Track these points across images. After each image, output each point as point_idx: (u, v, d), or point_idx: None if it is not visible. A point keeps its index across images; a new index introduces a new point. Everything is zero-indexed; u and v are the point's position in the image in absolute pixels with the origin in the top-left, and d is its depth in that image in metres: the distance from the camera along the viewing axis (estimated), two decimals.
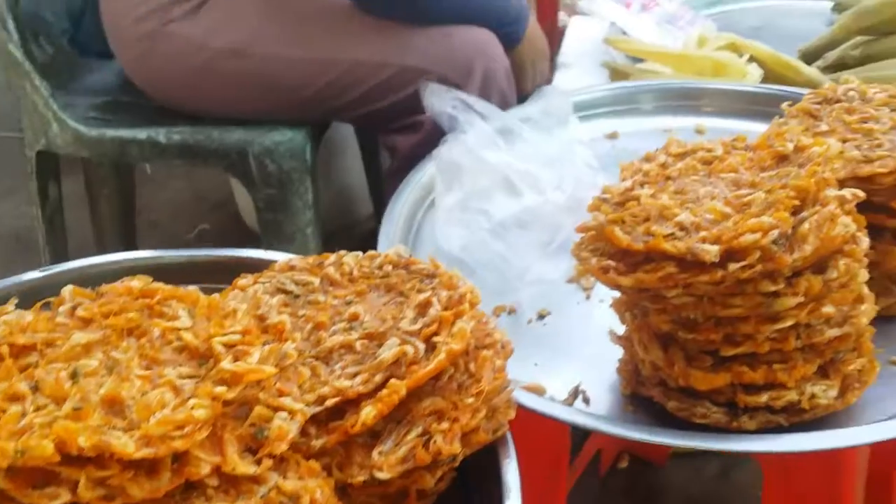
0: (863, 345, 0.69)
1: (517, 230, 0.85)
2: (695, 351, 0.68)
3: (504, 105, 1.14)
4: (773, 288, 0.62)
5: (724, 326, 0.65)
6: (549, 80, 1.40)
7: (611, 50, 1.48)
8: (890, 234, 0.77)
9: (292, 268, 0.63)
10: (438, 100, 0.99)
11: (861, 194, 0.68)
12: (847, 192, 0.68)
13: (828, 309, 0.64)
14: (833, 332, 0.66)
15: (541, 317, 0.84)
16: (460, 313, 0.55)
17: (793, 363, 0.65)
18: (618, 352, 0.75)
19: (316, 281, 0.61)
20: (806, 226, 0.62)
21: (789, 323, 0.64)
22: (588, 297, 0.86)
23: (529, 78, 1.34)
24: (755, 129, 1.00)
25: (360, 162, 1.78)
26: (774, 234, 0.60)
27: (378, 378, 0.52)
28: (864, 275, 0.66)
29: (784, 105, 0.87)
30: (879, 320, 0.70)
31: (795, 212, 0.64)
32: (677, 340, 0.68)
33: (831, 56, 1.35)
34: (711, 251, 0.61)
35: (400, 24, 1.24)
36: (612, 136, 1.11)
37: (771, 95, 1.09)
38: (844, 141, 0.78)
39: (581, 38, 1.57)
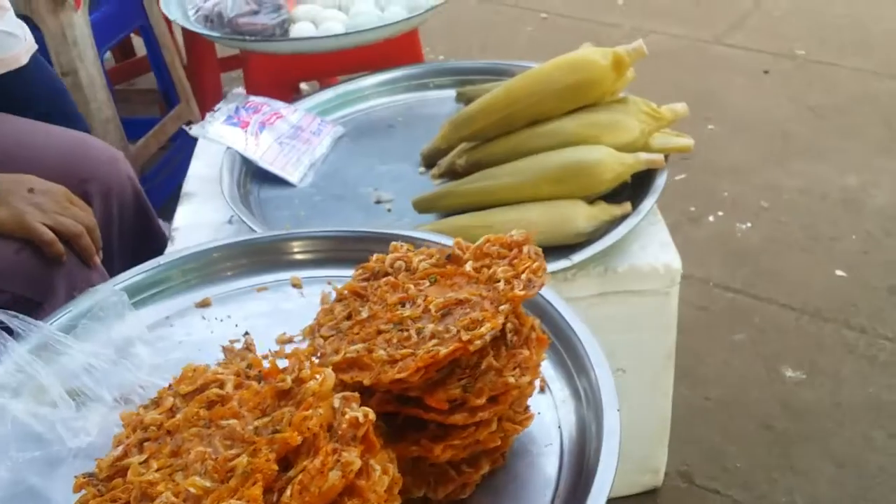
0: None
1: None
2: None
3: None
4: None
5: None
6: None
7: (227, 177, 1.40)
8: (434, 425, 0.73)
9: None
10: None
11: (371, 415, 0.64)
12: (359, 415, 0.64)
13: None
14: None
15: None
16: None
17: None
18: None
19: None
20: (288, 493, 0.57)
21: None
22: None
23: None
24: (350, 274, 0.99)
25: None
26: None
27: None
28: None
29: (332, 287, 0.83)
30: None
31: (289, 465, 0.59)
32: None
33: (443, 163, 1.35)
34: None
35: None
36: (204, 303, 1.03)
37: (359, 237, 1.06)
38: (379, 333, 0.75)
39: (208, 163, 1.49)
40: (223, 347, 0.96)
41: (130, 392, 0.84)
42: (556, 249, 1.19)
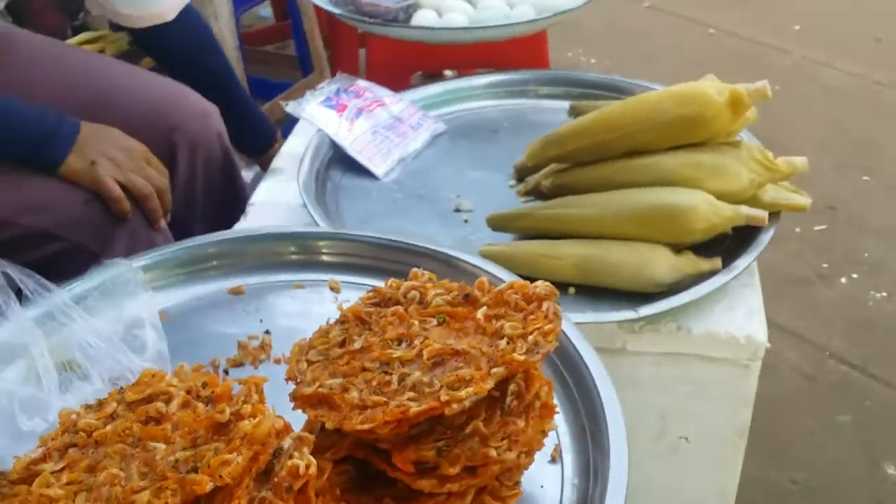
0: None
1: None
2: None
3: None
4: None
5: None
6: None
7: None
8: (403, 484, 0.65)
9: None
10: None
11: (313, 468, 0.57)
12: (301, 464, 0.57)
13: None
14: None
15: None
16: None
17: None
18: None
19: None
20: None
21: None
22: None
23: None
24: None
25: None
26: None
27: None
28: None
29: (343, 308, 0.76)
30: None
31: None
32: None
33: (531, 182, 1.26)
34: None
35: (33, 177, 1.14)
36: (236, 291, 0.99)
37: (406, 249, 0.99)
38: (364, 370, 0.67)
39: (303, 142, 1.45)
40: (238, 342, 0.91)
41: (120, 377, 0.81)
42: (630, 297, 1.08)
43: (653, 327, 1.07)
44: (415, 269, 0.77)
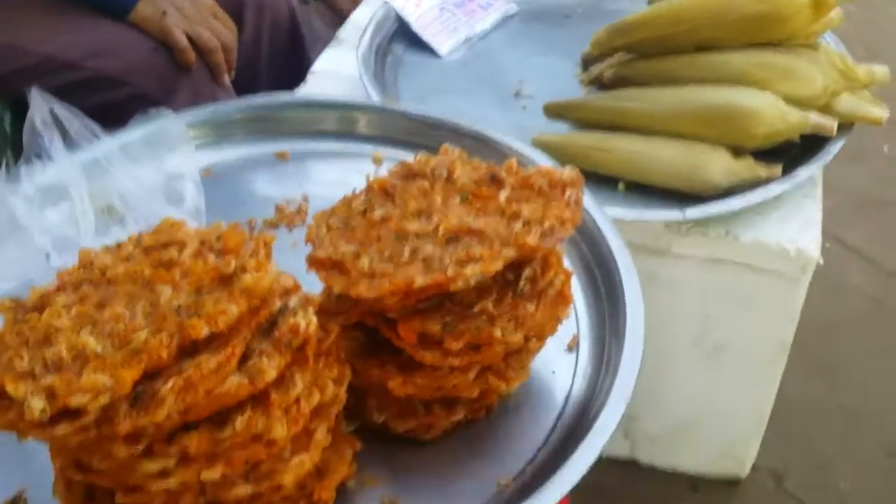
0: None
1: None
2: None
3: None
4: (127, 452, 0.53)
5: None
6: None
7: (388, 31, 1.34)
8: (407, 354, 0.66)
9: None
10: (39, 110, 0.87)
11: (313, 326, 0.58)
12: (302, 322, 0.58)
13: (210, 474, 0.55)
14: (243, 490, 0.57)
15: None
16: None
17: None
18: None
19: None
20: (168, 385, 0.52)
21: (173, 482, 0.55)
22: None
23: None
24: None
25: None
26: (105, 398, 0.50)
27: None
28: (280, 430, 0.56)
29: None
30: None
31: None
32: None
33: (593, 71, 1.21)
34: (36, 408, 0.51)
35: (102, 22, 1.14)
36: (282, 155, 0.99)
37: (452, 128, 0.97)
38: (378, 240, 0.67)
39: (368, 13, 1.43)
40: (276, 205, 0.92)
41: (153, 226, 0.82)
42: (682, 198, 1.05)
43: (701, 230, 1.04)
44: (445, 145, 0.76)
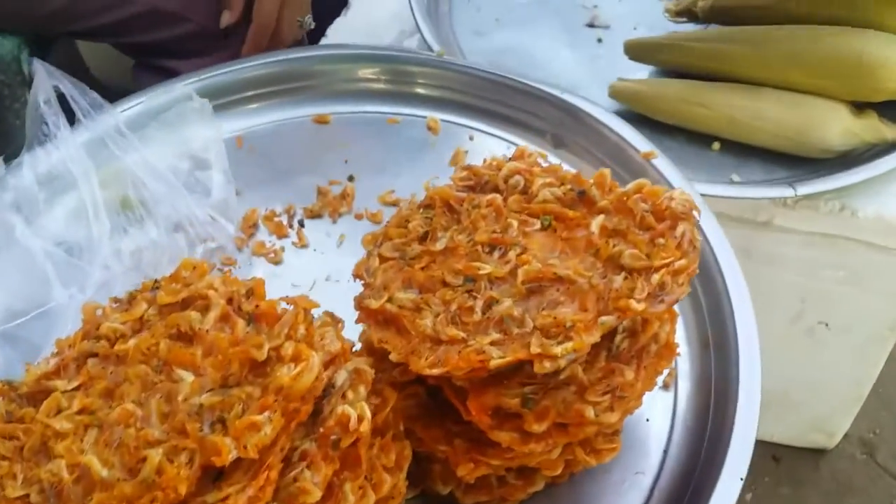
0: None
1: None
2: None
3: None
4: None
5: None
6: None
7: None
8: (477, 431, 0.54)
9: None
10: (42, 87, 0.74)
11: (367, 423, 0.47)
12: (354, 414, 0.47)
13: None
14: None
15: None
16: None
17: None
18: None
19: None
20: None
21: None
22: None
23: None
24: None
25: None
26: None
27: None
28: None
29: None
30: None
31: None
32: None
33: (684, 1, 1.03)
34: None
35: None
36: (321, 119, 0.86)
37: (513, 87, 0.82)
38: (444, 284, 0.54)
39: None
40: (318, 189, 0.80)
41: (179, 227, 0.71)
42: (787, 159, 0.90)
43: (810, 203, 0.89)
44: (521, 147, 0.62)
